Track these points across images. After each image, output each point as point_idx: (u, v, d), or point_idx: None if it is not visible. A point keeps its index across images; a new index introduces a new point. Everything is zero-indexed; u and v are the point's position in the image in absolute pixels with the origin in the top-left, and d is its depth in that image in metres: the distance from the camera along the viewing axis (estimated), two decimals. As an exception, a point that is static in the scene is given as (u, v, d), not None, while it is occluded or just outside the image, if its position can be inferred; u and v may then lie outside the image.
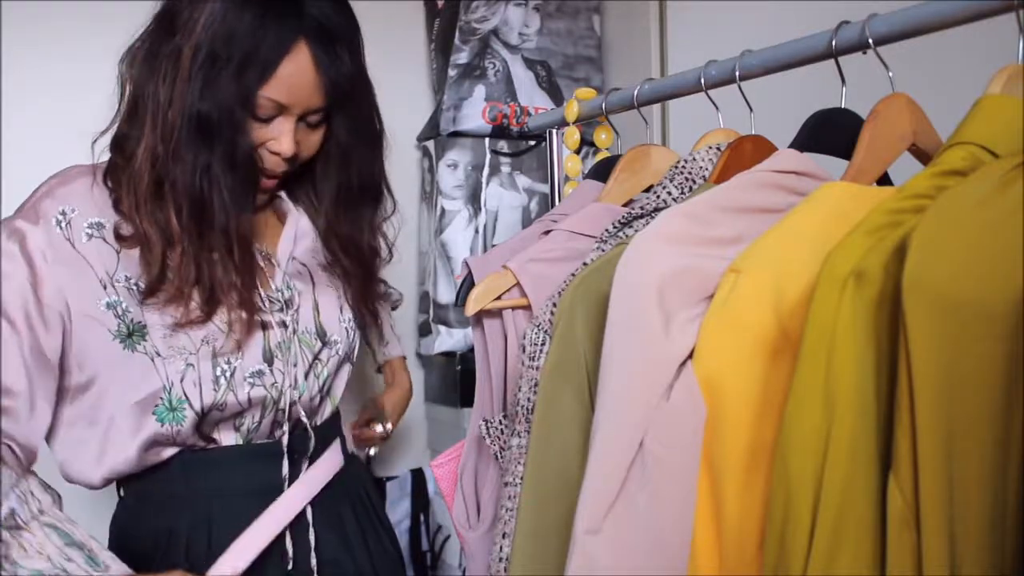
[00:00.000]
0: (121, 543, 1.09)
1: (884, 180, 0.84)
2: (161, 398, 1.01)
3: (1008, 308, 0.52)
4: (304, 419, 1.12)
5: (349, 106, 1.07)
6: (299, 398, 1.10)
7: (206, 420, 1.04)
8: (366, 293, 1.21)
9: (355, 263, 1.18)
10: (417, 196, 2.07)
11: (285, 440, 1.10)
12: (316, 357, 1.13)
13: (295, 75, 1.00)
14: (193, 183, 0.99)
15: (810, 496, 0.61)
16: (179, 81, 0.98)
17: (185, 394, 1.02)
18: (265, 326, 1.08)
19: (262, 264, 1.12)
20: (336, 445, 1.19)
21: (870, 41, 0.81)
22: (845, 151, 0.82)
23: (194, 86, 0.97)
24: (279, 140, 1.03)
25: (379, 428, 1.50)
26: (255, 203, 1.07)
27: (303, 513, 1.11)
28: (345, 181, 1.14)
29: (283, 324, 1.10)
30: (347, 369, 1.20)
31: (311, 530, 1.11)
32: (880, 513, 0.59)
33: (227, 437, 1.07)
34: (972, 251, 0.55)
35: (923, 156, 0.83)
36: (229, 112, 0.98)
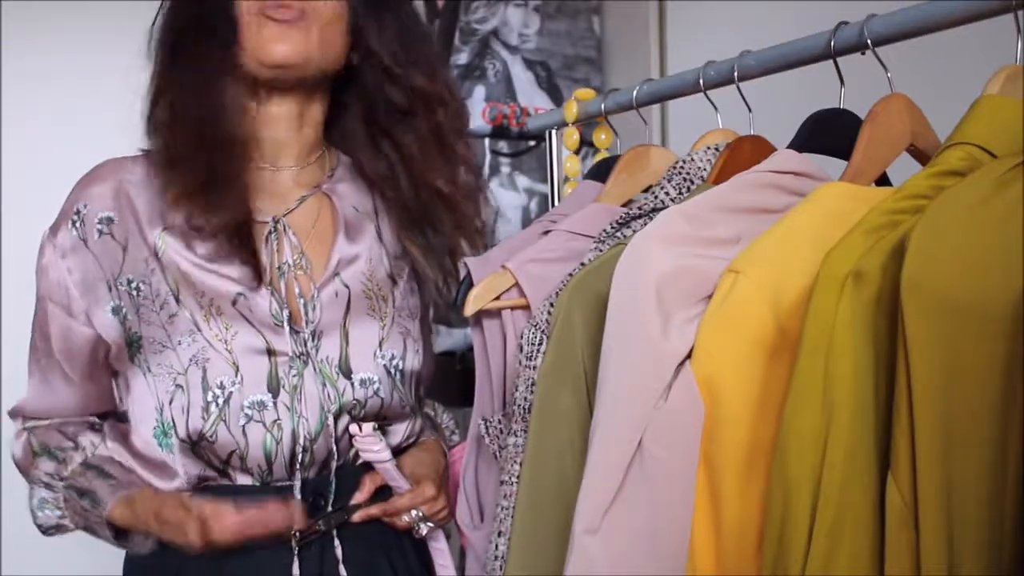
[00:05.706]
0: None
1: (883, 180, 0.84)
2: (156, 419, 0.95)
3: (1006, 308, 0.52)
4: (330, 463, 0.97)
5: None
6: (314, 440, 0.95)
7: (198, 451, 0.94)
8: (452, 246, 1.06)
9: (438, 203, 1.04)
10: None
11: (298, 485, 0.95)
12: (341, 395, 0.97)
13: None
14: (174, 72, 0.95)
15: (809, 496, 0.61)
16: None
17: (173, 419, 0.93)
18: (271, 352, 0.95)
19: (292, 272, 0.99)
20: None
21: (868, 42, 0.81)
22: (844, 151, 0.82)
23: None
24: None
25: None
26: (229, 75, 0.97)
27: (328, 553, 0.98)
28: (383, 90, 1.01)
29: (299, 354, 0.96)
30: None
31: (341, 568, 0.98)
32: (878, 513, 0.59)
33: (241, 476, 0.95)
34: (970, 251, 0.55)
35: (921, 156, 0.83)
36: None
